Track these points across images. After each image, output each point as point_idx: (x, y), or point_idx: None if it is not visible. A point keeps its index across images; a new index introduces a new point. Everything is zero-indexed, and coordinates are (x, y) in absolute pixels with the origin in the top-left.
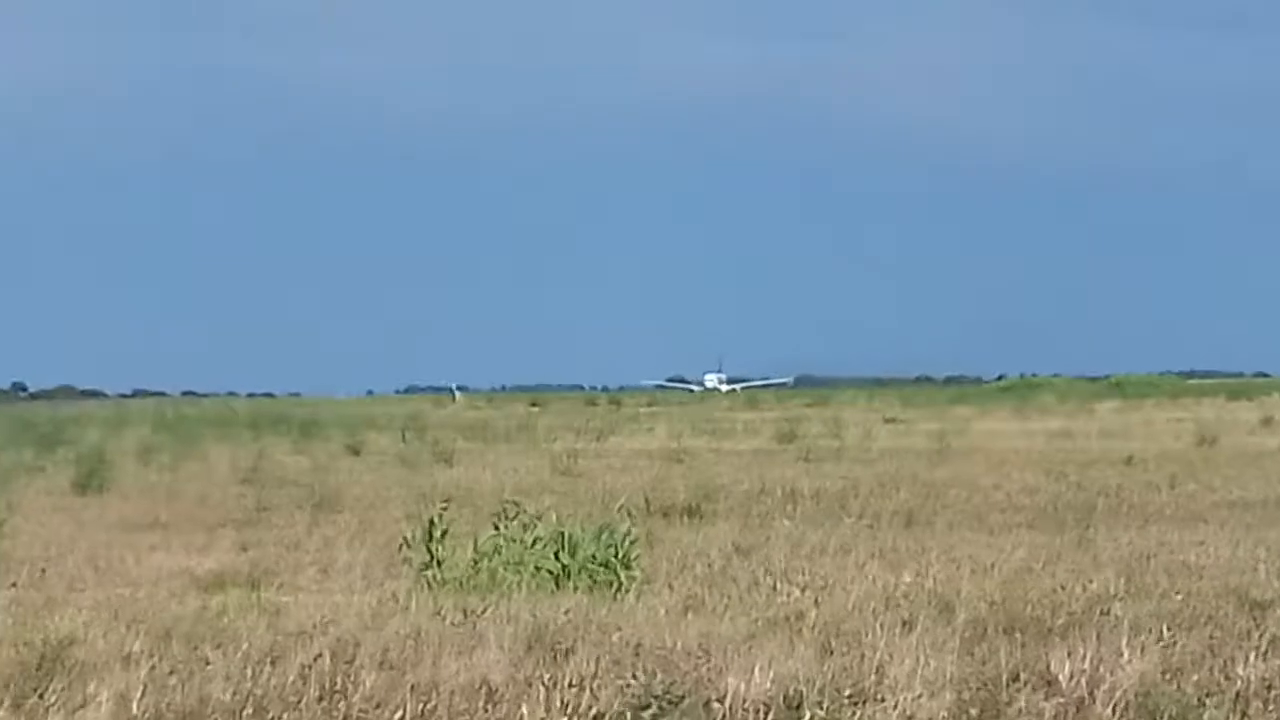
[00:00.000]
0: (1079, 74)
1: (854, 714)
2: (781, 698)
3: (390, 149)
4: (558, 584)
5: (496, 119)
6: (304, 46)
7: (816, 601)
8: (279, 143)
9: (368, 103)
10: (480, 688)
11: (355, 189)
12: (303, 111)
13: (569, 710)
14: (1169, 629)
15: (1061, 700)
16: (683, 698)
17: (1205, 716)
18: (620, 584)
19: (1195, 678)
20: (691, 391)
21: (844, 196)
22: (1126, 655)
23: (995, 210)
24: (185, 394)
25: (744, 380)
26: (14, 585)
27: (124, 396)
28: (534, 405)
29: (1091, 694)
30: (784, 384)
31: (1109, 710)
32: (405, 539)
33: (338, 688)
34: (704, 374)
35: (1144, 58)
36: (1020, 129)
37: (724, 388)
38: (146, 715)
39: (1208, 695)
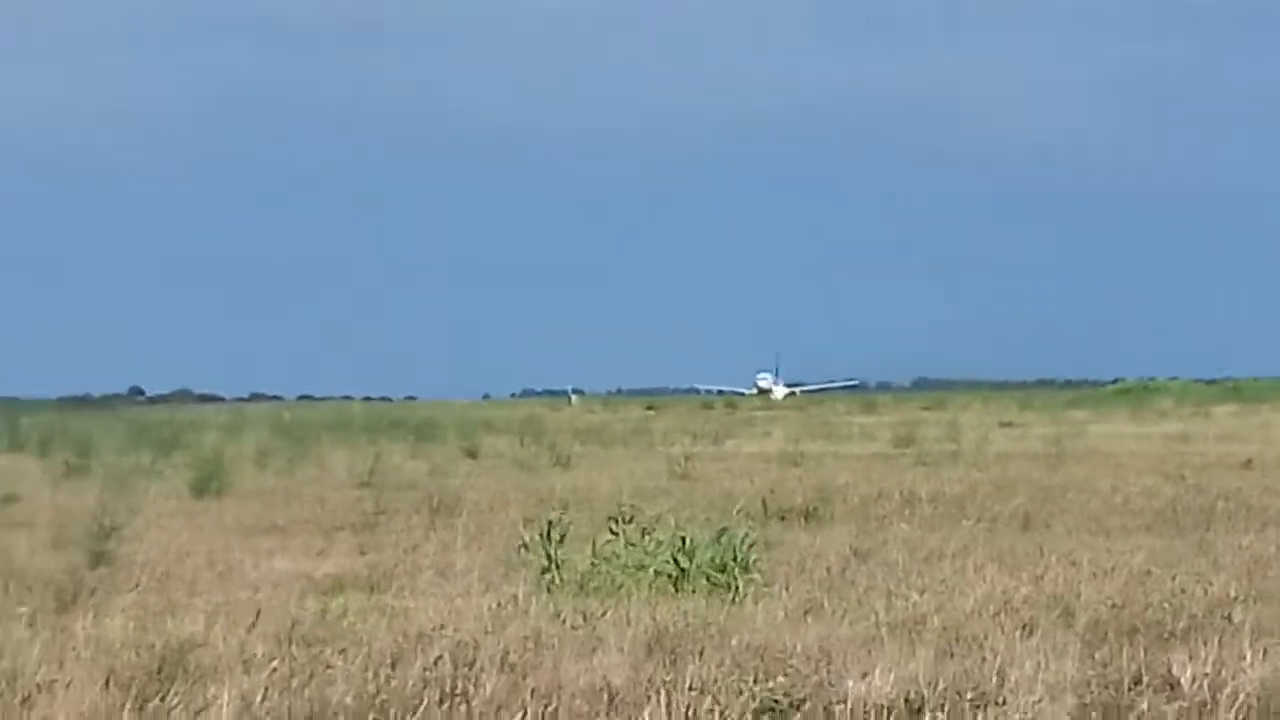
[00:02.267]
0: (1159, 84)
1: (975, 717)
2: (902, 701)
3: (492, 156)
4: (676, 587)
5: (588, 127)
6: (396, 58)
7: (937, 605)
8: (387, 151)
9: (464, 112)
10: (601, 691)
11: (467, 196)
12: (404, 119)
13: (690, 714)
14: None
15: (1183, 704)
16: (803, 701)
17: None
18: (738, 588)
19: None
20: (743, 395)
21: (957, 200)
22: (1249, 659)
23: (1112, 214)
24: (301, 398)
25: (802, 384)
26: (135, 588)
27: (241, 400)
28: (650, 409)
29: (1214, 698)
30: (851, 385)
31: (1231, 714)
32: (524, 542)
33: (458, 691)
34: (756, 374)
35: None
36: (1117, 135)
37: (781, 391)
38: (269, 718)
39: None
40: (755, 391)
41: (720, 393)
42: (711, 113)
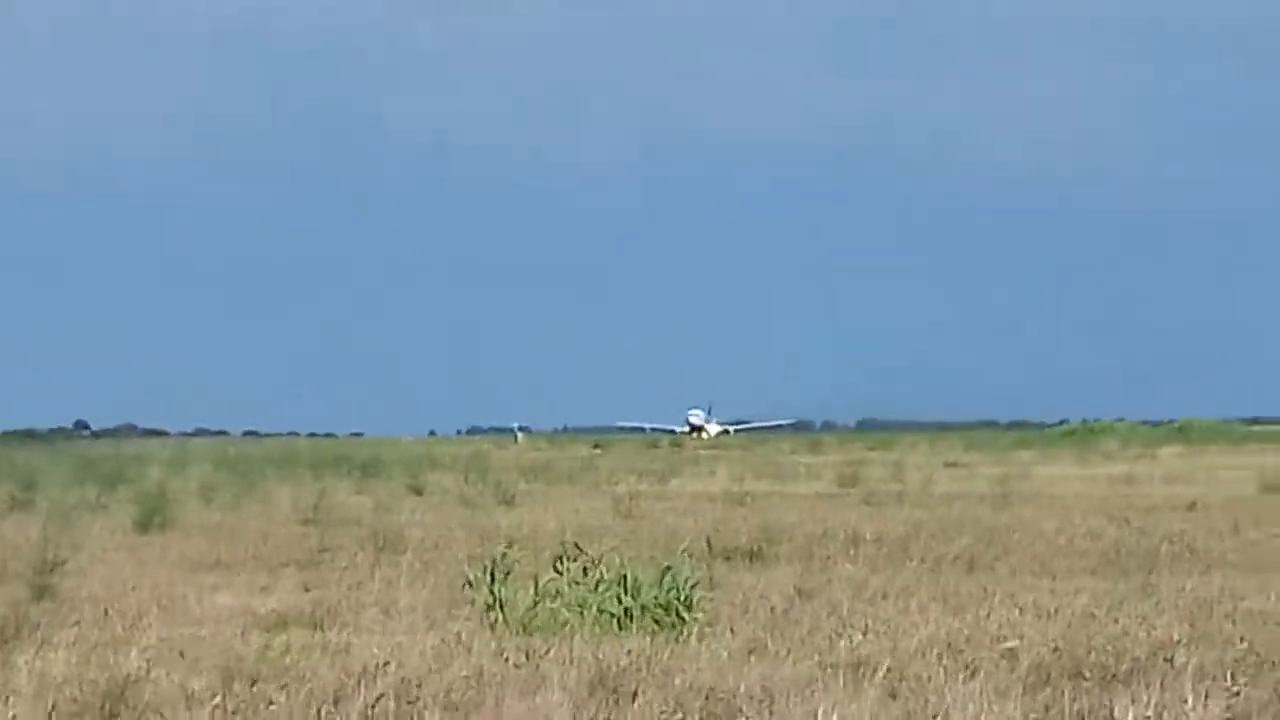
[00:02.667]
0: (1144, 112)
1: None
2: None
3: (457, 190)
4: (620, 626)
5: (567, 162)
6: (407, 90)
7: (881, 646)
8: (350, 184)
9: (441, 143)
10: None
11: (420, 230)
12: (383, 152)
13: None
14: (1234, 676)
15: None
16: None
17: None
18: (683, 626)
19: None
20: (673, 433)
21: (906, 239)
22: (1191, 702)
23: (1057, 254)
24: (247, 433)
25: (740, 421)
26: (77, 624)
27: (186, 435)
28: (596, 447)
29: None
30: (787, 425)
31: None
32: (468, 580)
33: None
34: (688, 411)
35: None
36: (1084, 169)
37: (714, 429)
38: None
39: None
40: (686, 429)
41: (653, 430)
42: (655, 145)
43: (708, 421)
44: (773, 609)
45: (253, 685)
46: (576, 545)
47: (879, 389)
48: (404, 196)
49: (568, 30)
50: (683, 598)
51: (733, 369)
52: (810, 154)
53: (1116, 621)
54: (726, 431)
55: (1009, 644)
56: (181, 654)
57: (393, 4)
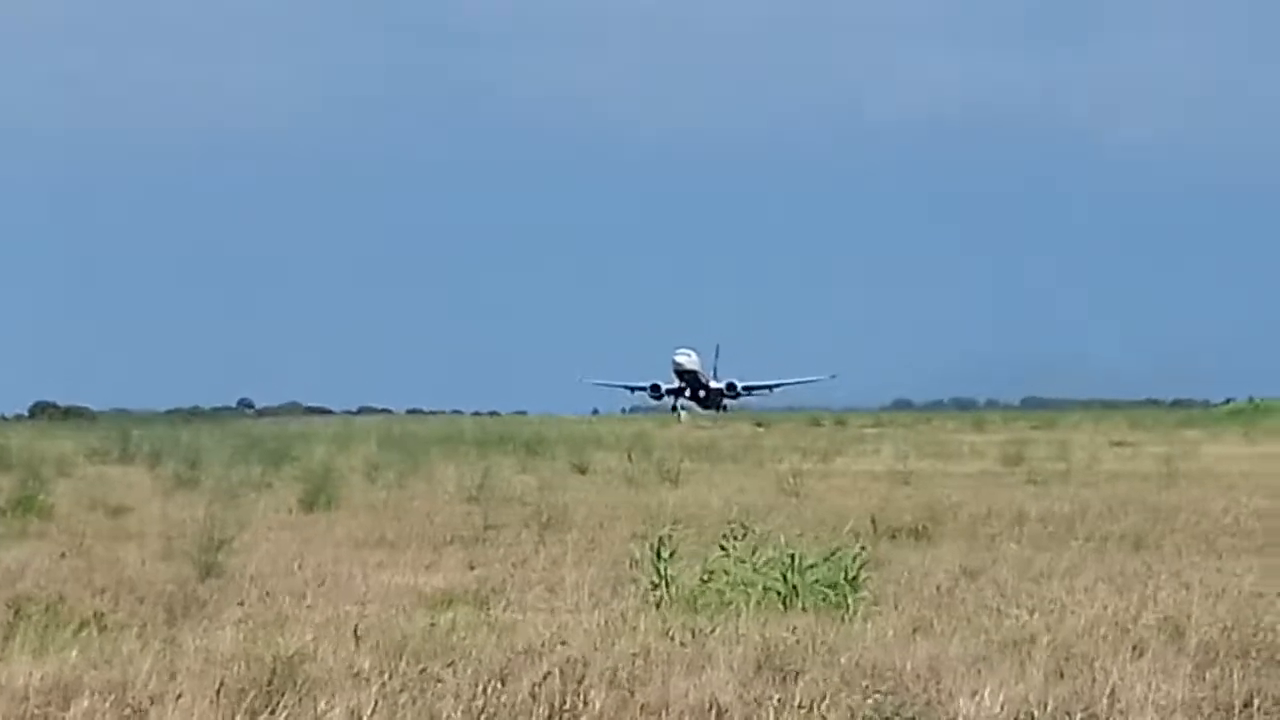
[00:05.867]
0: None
1: None
2: None
3: (610, 158)
4: (785, 605)
5: (719, 132)
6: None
7: (1046, 625)
8: (501, 161)
9: (588, 116)
10: (709, 708)
11: (582, 205)
12: (543, 127)
13: None
14: None
15: None
16: (913, 719)
17: None
18: (848, 605)
19: None
20: (645, 390)
21: (1072, 216)
22: None
23: (1224, 230)
24: (411, 411)
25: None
26: (243, 602)
27: (349, 413)
28: (759, 425)
29: None
30: (813, 381)
31: None
32: (633, 558)
33: (567, 707)
34: (675, 352)
35: None
36: (1241, 145)
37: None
38: None
39: None
40: (672, 386)
41: (628, 389)
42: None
43: (701, 373)
44: (938, 588)
45: (419, 664)
46: (742, 524)
47: (1043, 367)
48: (555, 171)
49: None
50: (848, 576)
51: (893, 346)
52: (966, 129)
53: None
54: (732, 389)
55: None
56: (348, 632)
57: None
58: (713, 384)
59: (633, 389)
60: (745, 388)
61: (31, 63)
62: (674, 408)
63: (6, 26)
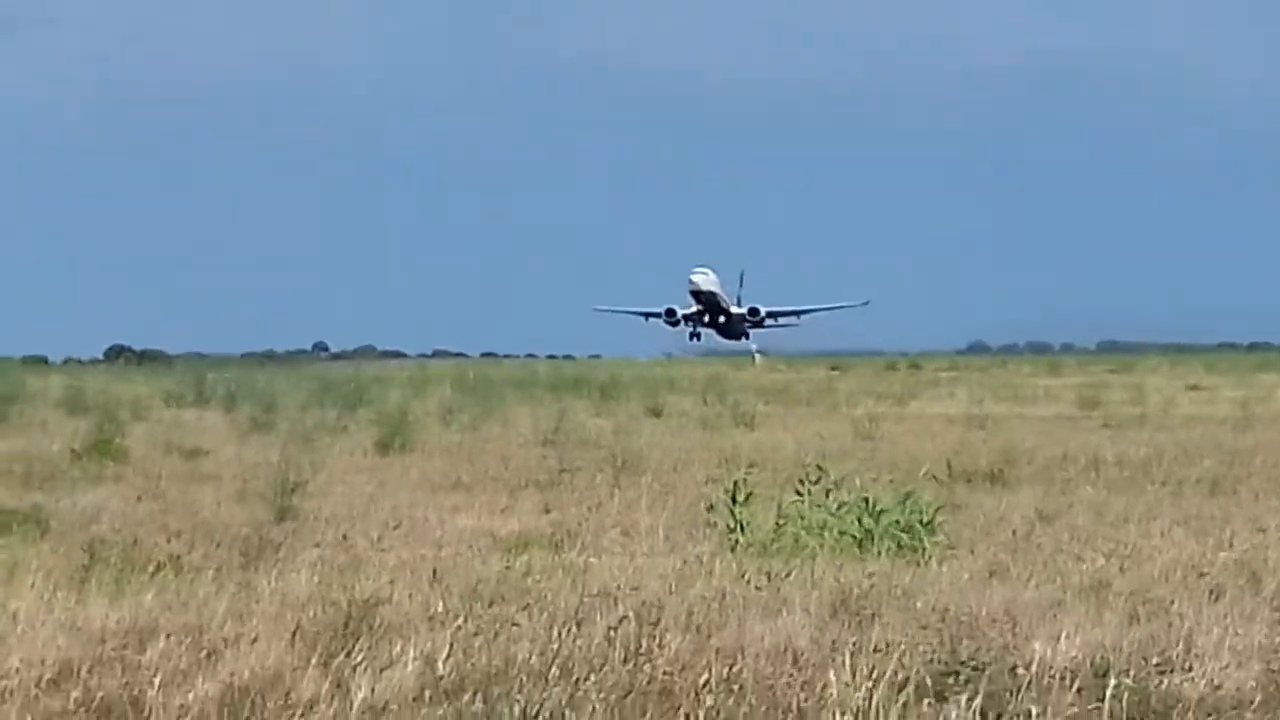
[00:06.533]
0: None
1: (1161, 683)
2: (1088, 665)
3: (693, 114)
4: (861, 549)
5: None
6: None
7: (1122, 569)
8: (583, 118)
9: (679, 70)
10: (785, 651)
11: (655, 156)
12: (617, 84)
13: (874, 676)
14: None
15: None
16: (988, 664)
17: None
18: (924, 549)
19: None
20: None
21: (1146, 162)
22: None
23: None
24: (485, 355)
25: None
26: (318, 545)
27: (424, 357)
28: (834, 369)
29: None
30: (851, 306)
31: None
32: (708, 502)
33: (642, 650)
34: (693, 271)
35: None
36: None
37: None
38: (452, 676)
39: None
40: (690, 310)
41: (640, 315)
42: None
43: (720, 296)
44: (1014, 532)
45: (494, 607)
46: (818, 467)
47: (1119, 310)
48: (631, 123)
49: None
50: (924, 521)
51: (973, 288)
52: (1043, 75)
53: None
54: (755, 315)
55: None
56: (423, 575)
57: None
58: (734, 309)
59: (646, 315)
60: (770, 314)
61: (122, 19)
62: (692, 335)
63: None
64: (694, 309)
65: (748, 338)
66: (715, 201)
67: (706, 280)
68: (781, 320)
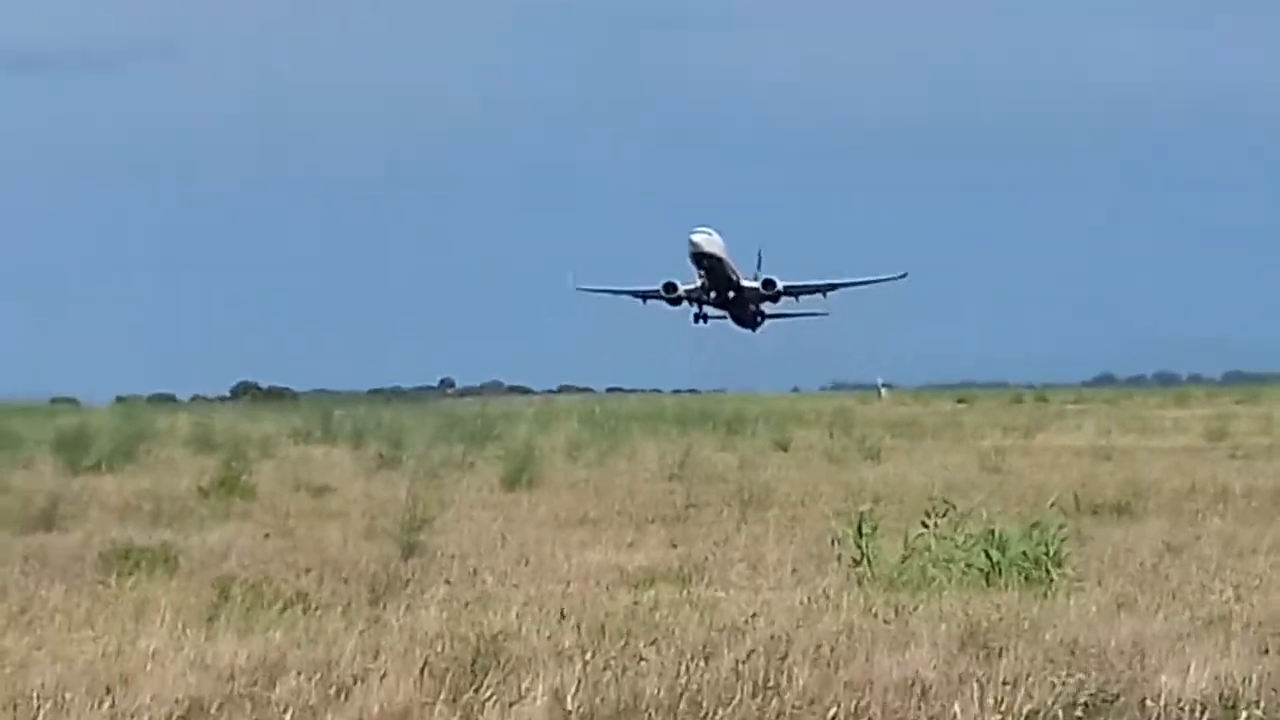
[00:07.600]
0: None
1: None
2: (1217, 697)
3: (778, 136)
4: (988, 581)
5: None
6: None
7: (1251, 601)
8: (678, 135)
9: (764, 92)
10: (913, 685)
11: (758, 180)
12: (700, 102)
13: (1002, 708)
14: None
15: None
16: (1117, 696)
17: None
18: (1051, 581)
19: None
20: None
21: (1266, 190)
22: None
23: None
24: (611, 390)
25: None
26: (447, 581)
27: (550, 392)
28: (960, 401)
29: None
30: (892, 277)
31: None
32: (835, 536)
33: (771, 684)
34: (693, 231)
35: None
36: None
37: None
38: (581, 710)
39: None
40: (694, 284)
41: (627, 293)
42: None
43: (727, 262)
44: (1141, 564)
45: (622, 641)
46: (944, 500)
47: (1245, 340)
48: (730, 145)
49: None
50: (1051, 552)
51: (1101, 319)
52: (1164, 101)
53: None
54: (770, 288)
55: None
56: (551, 610)
57: None
58: (746, 282)
59: (644, 296)
60: (789, 289)
61: (224, 66)
62: (697, 317)
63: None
64: (697, 283)
65: (763, 320)
66: (835, 233)
67: (709, 242)
68: (803, 298)
